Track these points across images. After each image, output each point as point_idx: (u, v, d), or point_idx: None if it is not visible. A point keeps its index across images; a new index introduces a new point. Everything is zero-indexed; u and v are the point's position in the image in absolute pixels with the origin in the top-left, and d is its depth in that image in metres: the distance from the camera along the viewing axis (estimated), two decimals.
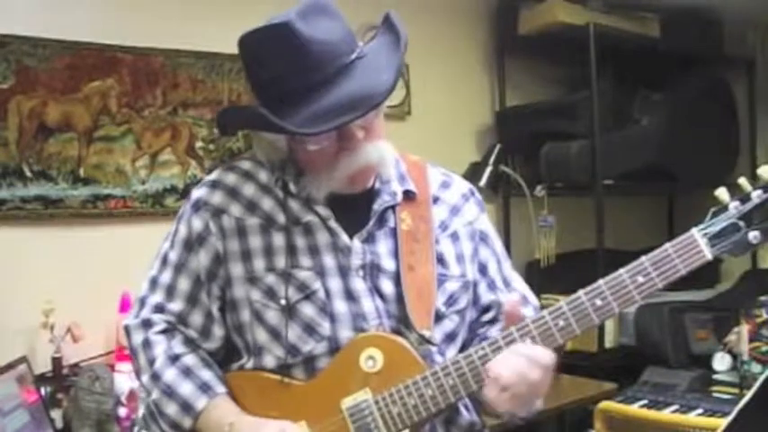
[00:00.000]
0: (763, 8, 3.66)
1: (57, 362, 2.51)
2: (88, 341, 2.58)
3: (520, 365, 1.30)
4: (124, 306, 2.64)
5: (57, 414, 2.41)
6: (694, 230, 1.30)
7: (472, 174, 3.47)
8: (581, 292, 1.33)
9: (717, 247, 1.29)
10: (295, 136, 1.36)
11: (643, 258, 1.31)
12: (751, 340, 2.88)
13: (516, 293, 1.50)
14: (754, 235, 1.28)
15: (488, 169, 3.48)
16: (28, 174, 2.57)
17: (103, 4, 2.73)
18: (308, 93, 1.31)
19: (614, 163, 3.43)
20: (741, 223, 1.28)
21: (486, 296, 1.53)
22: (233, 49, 3.04)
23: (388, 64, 1.34)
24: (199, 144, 2.92)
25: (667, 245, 1.30)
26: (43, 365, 2.50)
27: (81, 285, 2.62)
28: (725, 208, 1.30)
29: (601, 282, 1.32)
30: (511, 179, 3.58)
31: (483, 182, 3.44)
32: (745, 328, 2.89)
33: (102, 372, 2.45)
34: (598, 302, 1.32)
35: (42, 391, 2.38)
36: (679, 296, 3.48)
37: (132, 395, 2.48)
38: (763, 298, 2.93)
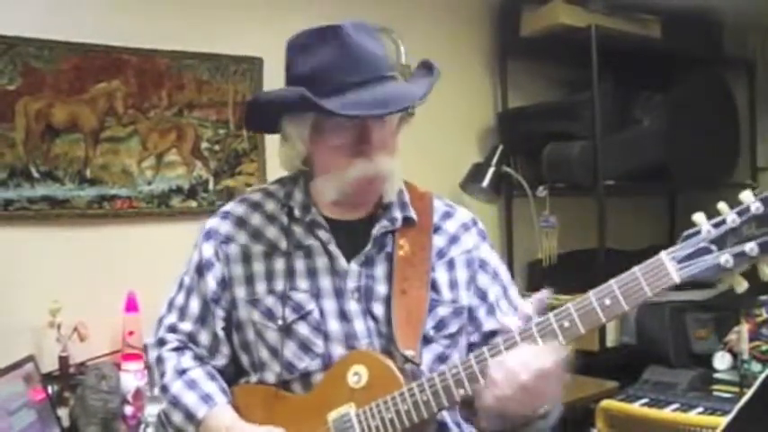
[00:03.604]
0: (763, 10, 3.67)
1: (63, 361, 2.53)
2: (94, 340, 2.60)
3: (512, 368, 1.32)
4: (130, 305, 2.66)
5: (63, 412, 2.43)
6: (663, 254, 1.29)
7: (474, 174, 3.49)
8: (551, 315, 1.35)
9: (685, 270, 1.27)
10: (321, 127, 1.46)
11: (611, 281, 1.32)
12: (751, 339, 2.90)
13: (517, 319, 1.50)
14: (725, 258, 1.25)
15: (491, 170, 3.49)
16: (35, 174, 2.59)
17: (109, 6, 2.74)
18: (348, 88, 1.41)
19: (616, 163, 3.45)
20: (713, 247, 1.26)
21: (487, 322, 1.58)
22: (237, 50, 3.10)
23: (421, 83, 1.49)
24: (204, 145, 2.93)
25: (635, 268, 1.30)
26: (50, 364, 2.52)
27: (87, 285, 2.64)
28: (698, 232, 1.28)
29: (570, 305, 1.34)
30: (513, 180, 3.60)
31: (485, 182, 3.46)
32: (745, 328, 2.91)
33: (109, 370, 2.47)
34: (565, 324, 1.33)
35: (49, 389, 2.39)
36: (680, 296, 3.49)
37: (138, 394, 2.50)
38: (763, 297, 2.94)
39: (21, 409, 2.20)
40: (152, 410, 2.37)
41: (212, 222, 1.62)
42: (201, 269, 1.58)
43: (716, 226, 1.27)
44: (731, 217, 1.26)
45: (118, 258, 2.73)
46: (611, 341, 3.38)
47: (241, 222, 1.58)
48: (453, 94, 3.62)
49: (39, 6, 2.61)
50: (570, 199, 3.63)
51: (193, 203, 2.90)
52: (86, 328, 2.56)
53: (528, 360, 1.31)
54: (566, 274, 3.45)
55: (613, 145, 3.46)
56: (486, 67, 3.83)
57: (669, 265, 1.28)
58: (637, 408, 2.78)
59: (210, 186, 2.93)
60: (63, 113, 2.64)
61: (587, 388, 3.05)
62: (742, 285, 1.29)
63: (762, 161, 4.06)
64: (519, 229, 3.71)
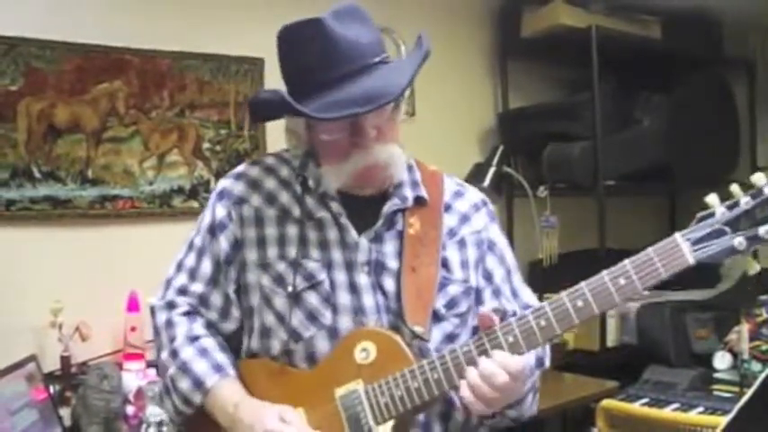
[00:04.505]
0: (763, 10, 3.68)
1: (65, 360, 2.54)
2: (96, 340, 2.60)
3: (491, 370, 1.35)
4: (132, 305, 2.67)
5: (65, 412, 2.43)
6: (677, 235, 1.29)
7: (475, 174, 3.49)
8: (563, 294, 1.36)
9: (699, 251, 1.28)
10: (311, 124, 1.45)
11: (626, 261, 1.32)
12: (751, 339, 2.90)
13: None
14: (738, 241, 1.26)
15: (491, 170, 3.49)
16: (37, 174, 2.60)
17: (110, 6, 2.75)
18: (330, 84, 1.38)
19: (616, 164, 3.46)
20: (727, 229, 1.27)
21: (490, 303, 1.58)
22: (239, 51, 3.10)
23: (407, 70, 1.41)
24: (205, 145, 2.94)
25: (650, 249, 1.31)
26: (52, 364, 2.52)
27: (89, 285, 2.64)
28: (712, 214, 1.29)
29: (583, 284, 1.35)
30: (514, 180, 3.60)
31: (486, 182, 3.46)
32: (745, 327, 2.91)
33: (110, 370, 2.47)
34: (579, 303, 1.34)
35: (51, 389, 2.40)
36: (680, 295, 3.50)
37: (140, 393, 2.51)
38: (763, 297, 2.95)
39: (23, 409, 2.20)
40: (153, 410, 2.38)
41: (225, 183, 1.59)
42: (214, 230, 1.56)
43: (729, 208, 1.28)
44: (744, 199, 1.27)
45: (119, 258, 2.73)
46: (611, 341, 3.39)
47: (255, 185, 1.56)
48: (454, 95, 3.64)
49: (40, 7, 2.62)
50: (571, 199, 3.63)
51: (195, 204, 2.90)
52: (88, 328, 2.56)
53: (504, 364, 1.35)
54: (566, 274, 3.43)
55: (614, 145, 3.47)
56: (486, 68, 3.83)
57: (684, 247, 1.29)
58: (637, 407, 2.79)
59: (212, 186, 2.93)
60: (65, 114, 2.64)
61: (588, 387, 3.06)
62: (754, 267, 1.31)
63: (762, 161, 4.07)
64: (519, 229, 3.72)
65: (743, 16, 3.83)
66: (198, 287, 1.57)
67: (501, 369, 1.34)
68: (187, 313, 1.57)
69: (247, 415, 1.43)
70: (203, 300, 1.57)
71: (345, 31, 1.39)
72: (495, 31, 3.84)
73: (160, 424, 2.34)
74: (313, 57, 1.39)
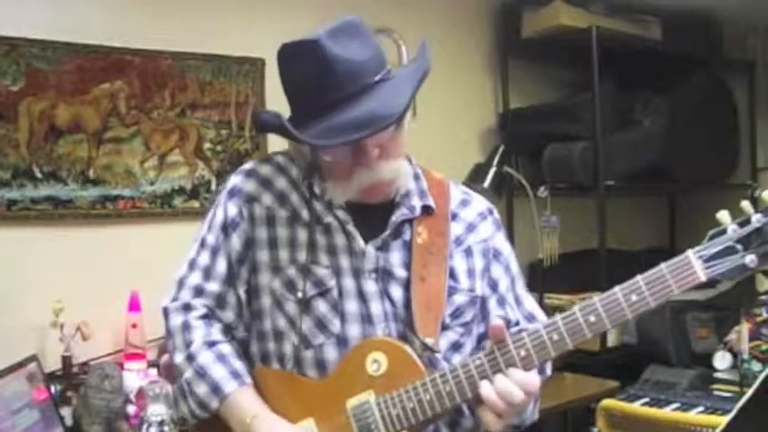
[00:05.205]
0: (762, 11, 3.68)
1: (66, 360, 2.54)
2: (97, 340, 2.61)
3: (509, 389, 1.35)
4: (133, 305, 2.67)
5: (66, 412, 2.43)
6: (690, 252, 1.30)
7: (476, 174, 3.49)
8: (576, 308, 1.35)
9: (711, 269, 1.28)
10: (315, 147, 1.42)
11: (638, 277, 1.32)
12: (751, 339, 2.90)
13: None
14: (750, 258, 1.27)
15: (492, 170, 3.49)
16: (38, 175, 2.60)
17: (112, 7, 2.75)
18: (330, 107, 1.36)
19: (616, 164, 3.46)
20: (738, 246, 1.27)
21: (495, 312, 1.57)
22: (240, 51, 3.11)
23: (406, 88, 1.39)
24: (207, 145, 2.95)
25: (662, 265, 1.31)
26: (53, 364, 2.53)
27: (90, 285, 2.65)
28: (723, 231, 1.29)
29: (596, 299, 1.35)
30: (514, 180, 3.60)
31: (487, 182, 3.46)
32: (745, 327, 2.91)
33: (112, 370, 2.48)
34: (591, 319, 1.34)
35: (52, 389, 2.40)
36: (680, 295, 3.50)
37: (141, 393, 2.51)
38: (763, 297, 2.95)
39: (24, 409, 2.20)
40: (154, 410, 2.38)
41: (236, 180, 1.56)
42: (227, 228, 1.53)
43: (741, 225, 1.28)
44: (756, 217, 1.27)
45: (121, 258, 2.74)
46: (611, 341, 3.40)
47: (266, 183, 1.54)
48: (455, 95, 3.64)
49: (42, 7, 2.62)
50: (571, 199, 3.64)
51: (196, 204, 2.91)
52: (89, 328, 2.57)
53: (521, 382, 1.35)
54: (567, 274, 3.46)
55: (614, 145, 3.47)
56: (487, 68, 3.84)
57: (696, 264, 1.29)
58: (637, 407, 2.79)
59: (213, 187, 2.94)
60: (66, 114, 2.65)
61: (588, 387, 3.06)
62: (764, 285, 1.30)
63: (762, 161, 4.08)
64: (520, 229, 3.72)
65: (743, 17, 3.84)
66: (214, 286, 1.54)
67: (518, 388, 1.34)
68: (204, 316, 1.55)
69: (262, 430, 1.43)
70: (220, 300, 1.54)
71: (343, 52, 1.36)
72: (495, 32, 3.85)
73: (161, 423, 2.35)
74: (310, 80, 1.37)
